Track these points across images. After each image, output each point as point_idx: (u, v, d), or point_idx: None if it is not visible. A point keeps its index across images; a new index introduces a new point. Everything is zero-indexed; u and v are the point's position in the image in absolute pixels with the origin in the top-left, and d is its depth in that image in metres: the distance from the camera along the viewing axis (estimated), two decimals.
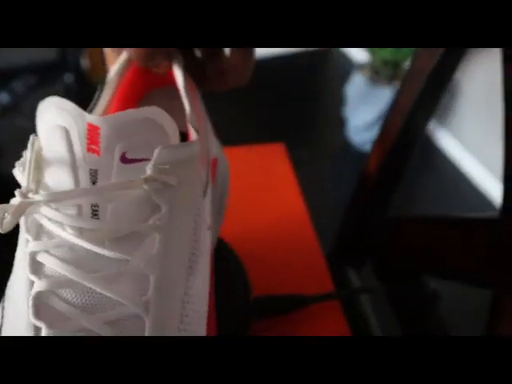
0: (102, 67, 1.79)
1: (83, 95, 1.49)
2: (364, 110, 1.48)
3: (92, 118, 0.19)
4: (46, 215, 0.19)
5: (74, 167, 0.19)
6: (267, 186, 0.47)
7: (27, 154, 0.20)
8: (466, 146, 1.51)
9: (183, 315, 0.21)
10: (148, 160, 0.20)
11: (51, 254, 0.20)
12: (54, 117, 0.19)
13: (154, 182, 0.19)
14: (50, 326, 0.19)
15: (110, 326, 0.19)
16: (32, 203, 0.19)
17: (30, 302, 0.19)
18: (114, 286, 0.19)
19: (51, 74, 1.69)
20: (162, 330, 0.20)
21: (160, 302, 0.20)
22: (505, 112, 0.38)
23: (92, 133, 0.19)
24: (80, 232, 0.19)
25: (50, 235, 0.20)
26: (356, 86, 1.49)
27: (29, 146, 0.20)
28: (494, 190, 1.41)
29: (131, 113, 0.19)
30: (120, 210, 0.20)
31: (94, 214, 0.20)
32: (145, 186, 0.19)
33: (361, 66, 1.49)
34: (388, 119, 0.50)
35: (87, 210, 0.20)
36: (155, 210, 0.20)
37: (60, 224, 0.19)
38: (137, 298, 0.19)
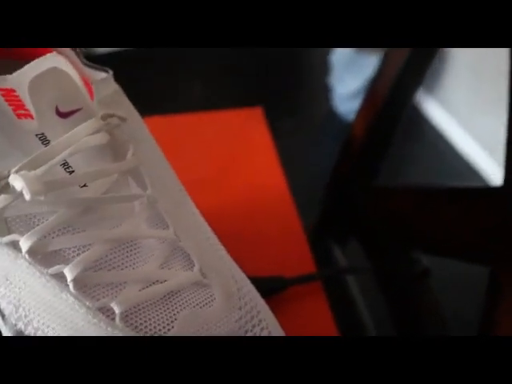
0: None
1: None
2: (349, 78, 1.43)
3: (5, 80, 0.17)
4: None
5: (16, 139, 0.17)
6: (243, 154, 0.43)
7: None
8: (453, 115, 1.48)
9: None
10: (80, 109, 0.18)
11: None
12: None
13: (112, 118, 0.18)
14: None
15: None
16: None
17: None
18: None
19: None
20: None
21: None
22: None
23: (10, 97, 0.17)
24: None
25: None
26: (341, 54, 1.44)
27: None
28: (481, 161, 1.39)
29: (35, 65, 0.17)
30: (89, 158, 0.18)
31: (67, 169, 0.18)
32: (104, 125, 0.18)
33: None
34: (375, 84, 0.46)
35: (60, 170, 0.17)
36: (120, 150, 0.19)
37: None
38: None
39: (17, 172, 0.15)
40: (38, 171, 0.15)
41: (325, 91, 1.59)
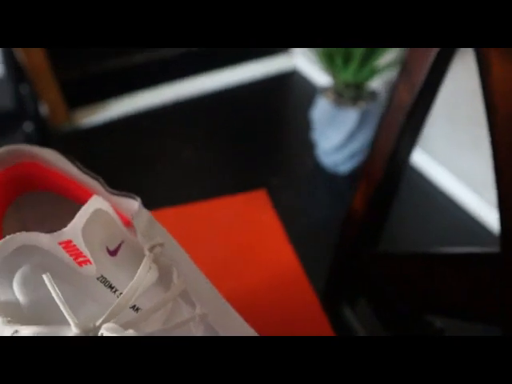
0: (63, 113, 1.74)
1: (44, 144, 1.45)
2: (331, 132, 1.49)
3: (58, 235, 0.18)
4: None
5: (82, 287, 0.19)
6: (254, 238, 0.45)
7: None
8: (436, 158, 1.53)
9: None
10: (123, 243, 0.20)
11: None
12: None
13: (156, 248, 0.20)
14: None
15: None
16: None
17: None
18: None
19: (9, 123, 1.63)
20: None
21: None
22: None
23: (69, 248, 0.18)
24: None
25: None
26: (321, 110, 1.50)
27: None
28: (469, 200, 1.43)
29: (83, 213, 0.19)
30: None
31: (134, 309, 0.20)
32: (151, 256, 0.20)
33: (324, 90, 1.50)
34: (372, 152, 0.49)
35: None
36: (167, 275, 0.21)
37: None
38: None
39: (103, 323, 0.17)
40: (118, 320, 0.17)
41: (310, 147, 1.65)
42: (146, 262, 0.19)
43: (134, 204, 0.22)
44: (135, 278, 0.19)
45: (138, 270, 0.19)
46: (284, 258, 0.44)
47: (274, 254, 0.44)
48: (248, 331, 0.23)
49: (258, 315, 0.36)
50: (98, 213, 0.19)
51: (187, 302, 0.21)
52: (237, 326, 0.23)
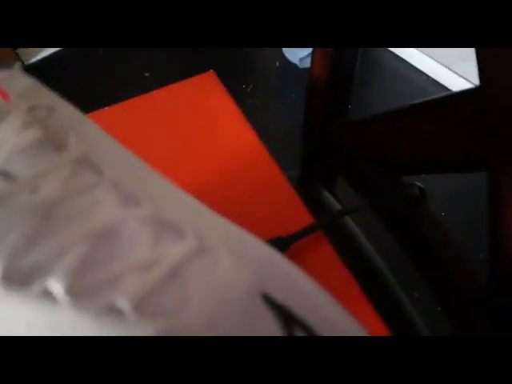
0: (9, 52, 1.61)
1: None
2: None
3: None
4: None
5: None
6: (208, 120, 0.40)
7: None
8: None
9: None
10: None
11: None
12: None
13: (39, 110, 0.17)
14: None
15: None
16: None
17: None
18: None
19: None
20: None
21: None
22: None
23: None
24: None
25: None
26: None
27: None
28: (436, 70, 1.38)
29: None
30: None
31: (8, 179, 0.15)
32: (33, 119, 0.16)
33: None
34: None
35: None
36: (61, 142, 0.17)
37: None
38: None
39: None
40: None
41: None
42: (15, 120, 0.15)
43: (8, 72, 0.18)
44: None
45: (1, 129, 0.14)
46: (243, 137, 0.40)
47: (232, 135, 0.40)
48: (177, 198, 0.19)
49: (222, 203, 0.33)
50: None
51: (91, 169, 0.17)
52: (165, 193, 0.19)
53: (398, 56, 1.50)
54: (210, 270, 0.16)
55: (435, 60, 1.38)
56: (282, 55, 1.57)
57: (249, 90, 1.45)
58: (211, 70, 0.44)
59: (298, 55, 1.49)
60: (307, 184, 0.55)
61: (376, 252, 0.45)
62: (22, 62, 1.68)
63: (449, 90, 1.36)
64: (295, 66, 1.53)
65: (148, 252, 0.15)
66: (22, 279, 0.14)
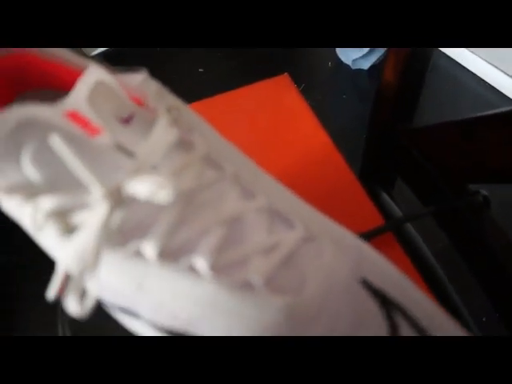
0: None
1: None
2: None
3: (61, 105, 0.16)
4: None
5: (97, 158, 0.17)
6: (283, 121, 0.43)
7: None
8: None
9: None
10: (134, 115, 0.18)
11: None
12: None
13: (174, 111, 0.18)
14: None
15: None
16: None
17: None
18: None
19: None
20: None
21: None
22: None
23: (76, 119, 0.16)
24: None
25: None
26: None
27: None
28: (501, 82, 1.35)
29: (84, 82, 0.17)
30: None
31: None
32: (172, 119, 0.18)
33: None
34: None
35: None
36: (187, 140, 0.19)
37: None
38: None
39: (125, 182, 0.15)
40: (152, 176, 0.15)
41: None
42: (163, 120, 0.17)
43: (140, 77, 0.20)
44: (152, 135, 0.17)
45: (155, 129, 0.17)
46: (315, 138, 0.42)
47: (305, 136, 0.42)
48: (282, 191, 0.21)
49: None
50: (100, 85, 0.17)
51: (214, 167, 0.19)
52: (272, 186, 0.21)
53: (454, 60, 1.48)
54: (317, 256, 0.18)
55: (494, 66, 1.35)
56: (335, 56, 1.57)
57: (301, 89, 1.46)
58: (286, 73, 0.46)
59: (352, 56, 1.49)
60: (365, 184, 0.57)
61: (439, 259, 0.46)
62: None
63: (507, 96, 1.33)
64: (348, 66, 1.53)
65: (266, 238, 0.18)
66: (173, 256, 0.16)
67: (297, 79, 1.45)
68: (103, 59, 1.71)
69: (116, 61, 1.68)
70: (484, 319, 0.99)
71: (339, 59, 1.56)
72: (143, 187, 0.14)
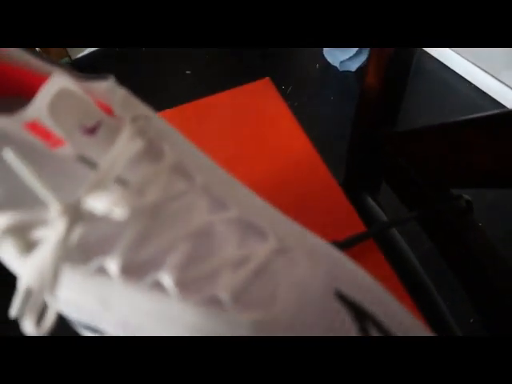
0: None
1: None
2: None
3: (20, 115, 0.15)
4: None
5: (56, 170, 0.16)
6: (265, 125, 0.42)
7: None
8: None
9: None
10: (101, 123, 0.17)
11: None
12: None
13: (140, 120, 0.17)
14: None
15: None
16: None
17: None
18: None
19: None
20: None
21: None
22: None
23: (36, 130, 0.15)
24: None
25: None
26: None
27: None
28: (485, 82, 1.36)
29: (46, 91, 0.16)
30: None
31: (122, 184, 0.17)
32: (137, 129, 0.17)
33: None
34: None
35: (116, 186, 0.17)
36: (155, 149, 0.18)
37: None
38: None
39: (84, 196, 0.15)
40: (109, 192, 0.15)
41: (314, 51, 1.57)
42: (126, 131, 0.17)
43: (106, 84, 0.19)
44: (115, 146, 0.16)
45: (118, 139, 0.16)
46: (297, 143, 0.41)
47: (286, 141, 0.41)
48: (256, 202, 0.21)
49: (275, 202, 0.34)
50: (64, 93, 0.16)
51: (184, 176, 0.19)
52: (243, 195, 0.20)
53: (441, 62, 1.49)
54: (290, 268, 0.18)
55: (480, 68, 1.36)
56: (323, 57, 1.57)
57: (289, 91, 1.46)
58: (267, 78, 0.46)
59: (339, 58, 1.49)
60: (350, 190, 0.56)
61: (423, 265, 0.45)
62: (70, 57, 1.74)
63: (492, 98, 1.34)
64: (335, 68, 1.53)
65: (237, 251, 0.17)
66: (137, 272, 0.16)
67: (285, 82, 1.46)
68: (90, 61, 1.69)
69: (103, 62, 1.67)
70: (471, 321, 0.99)
71: (327, 61, 1.56)
72: (99, 203, 0.14)
